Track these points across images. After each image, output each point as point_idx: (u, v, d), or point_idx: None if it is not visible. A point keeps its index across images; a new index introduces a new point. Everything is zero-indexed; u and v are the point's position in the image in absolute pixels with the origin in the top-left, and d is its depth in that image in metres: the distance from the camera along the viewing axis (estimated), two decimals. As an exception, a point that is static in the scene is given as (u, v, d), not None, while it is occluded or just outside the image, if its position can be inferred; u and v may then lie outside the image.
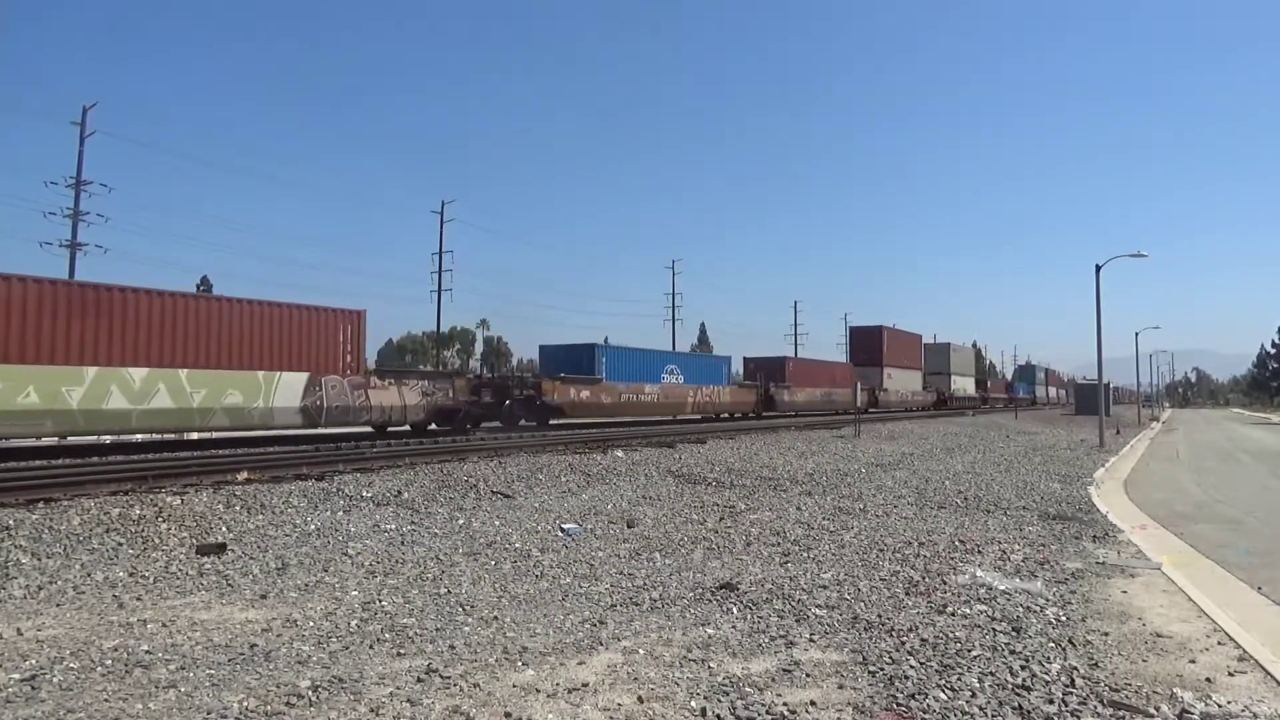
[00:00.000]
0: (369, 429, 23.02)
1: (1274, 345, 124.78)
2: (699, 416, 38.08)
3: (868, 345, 57.57)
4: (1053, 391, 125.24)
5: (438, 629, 6.12)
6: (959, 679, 5.10)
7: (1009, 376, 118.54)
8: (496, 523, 10.84)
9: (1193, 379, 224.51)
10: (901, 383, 58.63)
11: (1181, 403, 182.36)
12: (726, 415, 40.41)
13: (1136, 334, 56.24)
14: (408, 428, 23.69)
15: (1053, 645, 5.95)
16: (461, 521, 10.88)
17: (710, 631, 6.10)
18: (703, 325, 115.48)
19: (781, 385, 43.83)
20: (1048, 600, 7.36)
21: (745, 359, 47.92)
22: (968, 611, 6.78)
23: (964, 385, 73.32)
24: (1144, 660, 5.80)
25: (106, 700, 4.61)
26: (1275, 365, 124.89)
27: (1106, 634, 6.40)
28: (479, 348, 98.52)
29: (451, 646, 5.66)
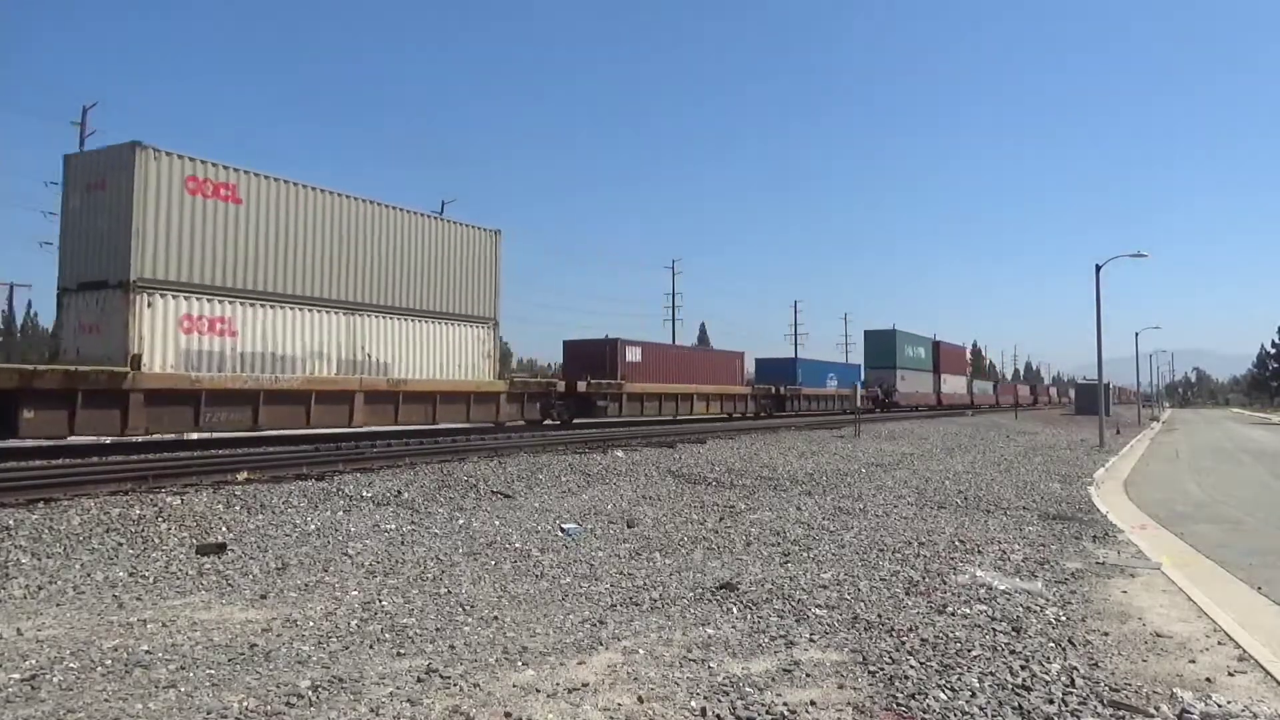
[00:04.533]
0: None
1: (1274, 345, 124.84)
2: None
3: None
4: (951, 383, 63.01)
5: (438, 629, 6.12)
6: (959, 679, 5.10)
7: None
8: (496, 523, 10.84)
9: (1193, 379, 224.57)
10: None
11: (1181, 403, 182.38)
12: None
13: (1136, 334, 56.33)
14: None
15: (1053, 645, 5.95)
16: (461, 521, 10.87)
17: (710, 631, 6.10)
18: (703, 325, 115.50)
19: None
20: (1048, 600, 7.36)
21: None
22: (968, 611, 6.78)
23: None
24: (1144, 660, 5.80)
25: (106, 700, 4.61)
26: (1275, 365, 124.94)
27: (1106, 634, 6.40)
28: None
29: (451, 646, 5.67)
